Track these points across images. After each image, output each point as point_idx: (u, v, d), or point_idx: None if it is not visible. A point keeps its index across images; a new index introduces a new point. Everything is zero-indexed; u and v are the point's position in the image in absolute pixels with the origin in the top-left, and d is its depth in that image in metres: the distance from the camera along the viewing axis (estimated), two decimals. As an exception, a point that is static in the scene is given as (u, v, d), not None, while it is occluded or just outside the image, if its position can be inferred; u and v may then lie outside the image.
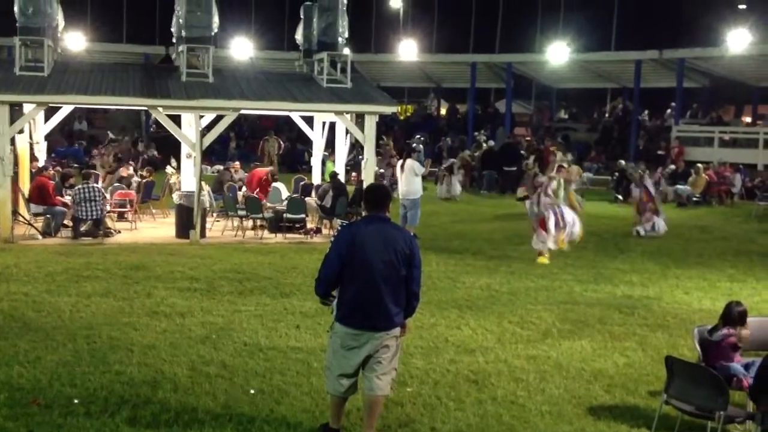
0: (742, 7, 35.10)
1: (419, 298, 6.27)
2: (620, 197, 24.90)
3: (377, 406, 6.26)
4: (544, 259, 14.46)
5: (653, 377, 7.96)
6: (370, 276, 5.99)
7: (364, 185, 16.64)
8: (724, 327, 6.97)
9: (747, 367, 6.82)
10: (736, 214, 23.01)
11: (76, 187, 15.83)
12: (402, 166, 17.31)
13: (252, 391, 7.32)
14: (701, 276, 13.56)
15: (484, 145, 30.57)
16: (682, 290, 12.41)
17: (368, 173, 16.84)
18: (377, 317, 6.04)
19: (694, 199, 25.15)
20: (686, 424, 6.60)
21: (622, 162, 27.29)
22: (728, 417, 6.00)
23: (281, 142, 31.34)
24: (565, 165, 15.95)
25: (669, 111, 36.80)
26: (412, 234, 6.40)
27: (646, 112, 38.50)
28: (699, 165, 26.34)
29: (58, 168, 21.27)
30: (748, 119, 35.83)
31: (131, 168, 21.52)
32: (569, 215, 14.65)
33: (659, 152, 31.88)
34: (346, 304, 6.10)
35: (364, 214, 6.41)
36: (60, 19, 17.65)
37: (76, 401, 6.89)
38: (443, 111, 45.10)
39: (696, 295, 12.11)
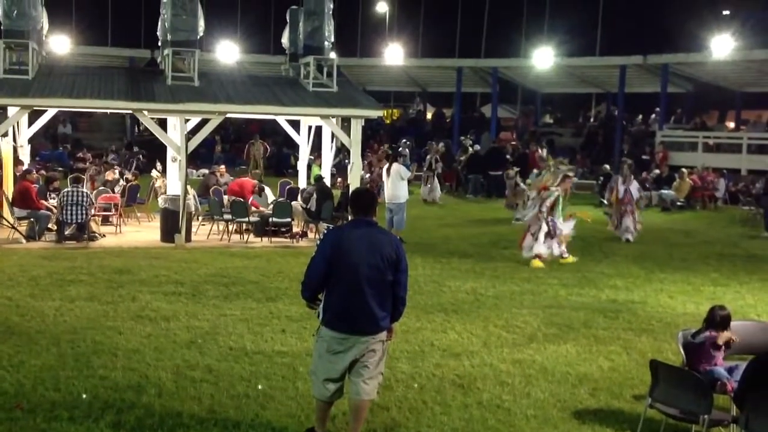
0: (725, 13, 35.39)
1: (405, 303, 6.24)
2: (605, 201, 24.99)
3: (363, 411, 6.25)
4: (538, 263, 14.52)
5: (638, 381, 7.99)
6: (356, 280, 5.94)
7: (351, 189, 16.68)
8: (707, 330, 7.01)
9: (731, 371, 6.85)
10: (720, 219, 23.16)
11: (64, 190, 15.75)
12: (388, 171, 17.37)
13: (260, 387, 7.38)
14: (685, 280, 13.63)
15: (470, 149, 30.62)
16: (666, 294, 12.47)
17: (354, 177, 16.84)
18: (363, 321, 6.01)
19: (678, 203, 25.31)
20: (671, 428, 6.63)
21: (607, 166, 27.41)
22: (712, 421, 6.03)
23: (267, 146, 31.32)
24: (571, 174, 15.97)
25: (653, 116, 36.98)
26: (398, 238, 6.35)
27: (640, 117, 38.65)
28: (683, 170, 26.52)
29: (43, 171, 21.15)
30: (732, 124, 36.05)
31: (117, 171, 21.42)
32: (564, 226, 14.79)
33: (644, 157, 32.02)
34: (332, 308, 6.06)
35: (350, 218, 6.37)
36: (45, 21, 17.59)
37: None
38: (429, 115, 45.16)
39: (680, 299, 12.17)
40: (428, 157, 27.17)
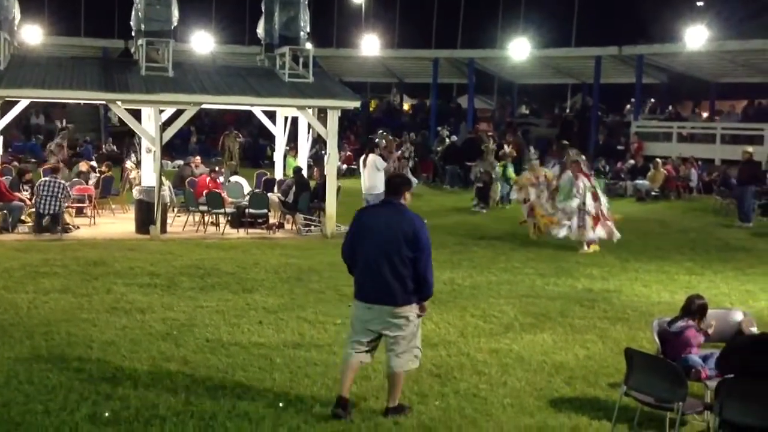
0: (699, 3, 35.63)
1: (429, 281, 6.54)
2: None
3: (396, 380, 6.67)
4: (595, 247, 15.22)
5: (613, 369, 8.04)
6: (373, 254, 6.47)
7: (328, 180, 16.66)
8: (683, 318, 7.07)
9: (705, 358, 6.92)
10: (694, 208, 23.35)
11: (41, 180, 15.59)
12: (364, 161, 17.34)
13: (236, 378, 7.31)
14: (660, 269, 13.73)
15: (447, 140, 30.66)
16: (641, 283, 12.56)
17: (331, 168, 16.80)
18: (379, 292, 6.48)
19: (653, 193, 25.49)
20: (646, 416, 6.68)
21: (583, 157, 27.50)
22: (687, 408, 6.08)
23: (241, 137, 31.18)
24: (582, 159, 16.28)
25: (628, 107, 37.20)
26: (421, 218, 6.71)
27: (628, 106, 38.81)
28: (657, 160, 26.71)
29: (15, 163, 20.93)
30: (706, 114, 36.35)
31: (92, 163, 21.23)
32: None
33: (619, 147, 32.23)
34: (356, 279, 6.68)
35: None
36: (16, 12, 17.38)
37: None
38: (406, 106, 45.16)
39: (655, 288, 12.26)
40: (402, 148, 27.25)
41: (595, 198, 15.55)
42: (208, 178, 17.64)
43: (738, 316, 7.50)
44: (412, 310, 6.57)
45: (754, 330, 7.08)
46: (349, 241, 6.70)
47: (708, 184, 26.43)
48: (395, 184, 6.79)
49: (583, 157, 17.31)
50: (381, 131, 33.39)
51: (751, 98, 35.02)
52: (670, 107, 35.88)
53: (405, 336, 6.56)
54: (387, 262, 6.42)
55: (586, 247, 15.29)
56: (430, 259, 6.54)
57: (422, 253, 6.46)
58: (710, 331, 7.12)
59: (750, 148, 21.88)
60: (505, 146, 25.50)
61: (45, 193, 15.25)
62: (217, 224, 16.93)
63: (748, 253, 15.84)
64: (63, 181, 15.88)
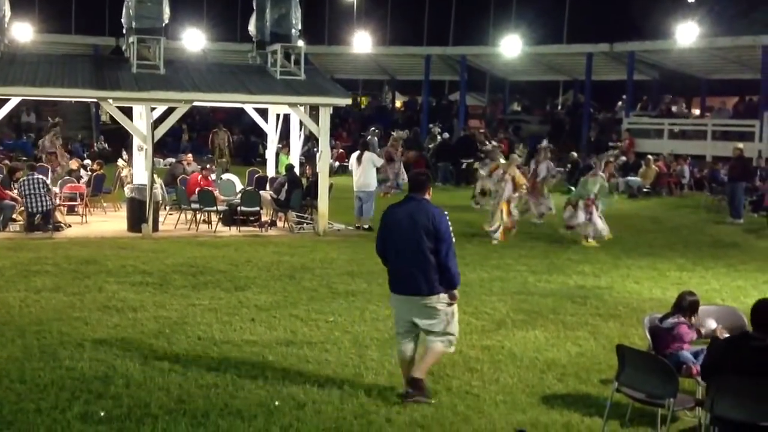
0: (690, 0, 35.67)
1: (452, 270, 6.86)
2: (573, 188, 25.14)
3: (429, 354, 7.04)
4: (592, 243, 15.50)
5: (605, 366, 8.06)
6: (399, 248, 6.92)
7: (320, 178, 16.65)
8: (675, 315, 7.08)
9: (696, 355, 6.93)
10: (686, 205, 23.42)
11: (21, 179, 15.54)
12: (359, 159, 17.30)
13: (229, 376, 7.35)
14: (651, 266, 13.77)
15: (439, 137, 30.65)
16: (632, 280, 12.60)
17: (323, 165, 16.79)
18: (409, 283, 6.88)
19: (645, 190, 25.55)
20: (637, 412, 6.71)
21: (574, 154, 27.59)
22: (678, 404, 6.10)
23: (230, 135, 31.11)
24: (612, 160, 16.64)
25: (620, 103, 37.26)
26: (443, 211, 7.03)
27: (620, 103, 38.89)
28: (649, 156, 26.77)
29: (6, 161, 20.85)
30: (697, 111, 36.43)
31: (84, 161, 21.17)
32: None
33: (610, 144, 32.27)
34: (388, 273, 7.14)
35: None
36: (6, 9, 17.31)
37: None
38: (398, 103, 45.12)
39: (646, 284, 12.30)
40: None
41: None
42: (199, 176, 17.61)
43: (740, 314, 7.53)
44: (440, 300, 6.90)
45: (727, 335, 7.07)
46: (380, 237, 7.14)
47: (699, 181, 26.51)
48: (420, 180, 7.16)
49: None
50: (373, 128, 33.39)
51: (741, 95, 35.10)
52: (662, 104, 35.88)
53: (436, 324, 6.94)
54: (412, 255, 6.81)
55: (585, 240, 15.61)
56: (452, 250, 6.88)
57: (444, 244, 6.81)
58: (703, 330, 7.15)
59: (741, 145, 21.95)
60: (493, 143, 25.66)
61: (27, 191, 15.18)
62: (209, 222, 16.91)
63: (740, 250, 15.90)
64: (43, 177, 15.77)
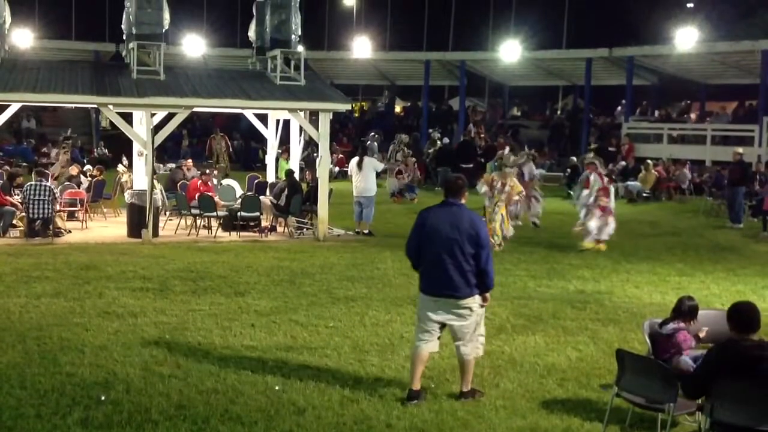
0: (689, 5, 35.75)
1: (489, 274, 7.08)
2: (572, 193, 25.16)
3: (468, 367, 7.27)
4: (592, 245, 15.55)
5: (605, 370, 8.07)
6: (438, 251, 7.02)
7: (320, 183, 16.66)
8: (674, 320, 7.09)
9: (696, 360, 6.93)
10: (685, 210, 23.43)
11: (27, 184, 15.54)
12: (359, 164, 17.29)
13: (229, 381, 7.34)
14: (651, 270, 13.78)
15: (438, 142, 30.67)
16: (632, 285, 12.61)
17: (323, 170, 16.81)
18: (445, 286, 7.03)
19: (644, 194, 25.57)
20: (637, 416, 6.71)
21: (574, 159, 27.61)
22: (678, 409, 6.10)
23: (228, 140, 31.13)
24: (593, 161, 16.77)
25: (619, 108, 37.29)
26: (480, 217, 7.35)
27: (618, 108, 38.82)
28: (648, 161, 26.79)
29: (6, 167, 20.86)
30: (696, 116, 36.45)
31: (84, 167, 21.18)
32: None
33: (610, 149, 32.30)
34: (421, 275, 7.26)
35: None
36: (7, 15, 17.33)
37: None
38: (398, 108, 45.16)
39: (646, 289, 12.31)
40: (391, 148, 27.27)
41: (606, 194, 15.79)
42: (199, 182, 17.63)
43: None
44: (474, 302, 7.13)
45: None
46: (414, 241, 7.24)
47: (699, 185, 26.52)
48: (457, 186, 7.29)
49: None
50: (373, 133, 33.44)
51: (741, 99, 35.15)
52: (661, 109, 35.91)
53: (469, 325, 7.15)
54: (451, 259, 6.97)
55: (585, 242, 15.64)
56: (490, 253, 7.13)
57: (483, 249, 7.02)
58: (702, 335, 7.14)
59: (740, 149, 21.98)
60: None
61: (32, 197, 15.20)
62: (209, 227, 16.92)
63: (739, 254, 15.91)
64: (49, 184, 15.81)
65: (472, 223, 7.05)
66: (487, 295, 7.26)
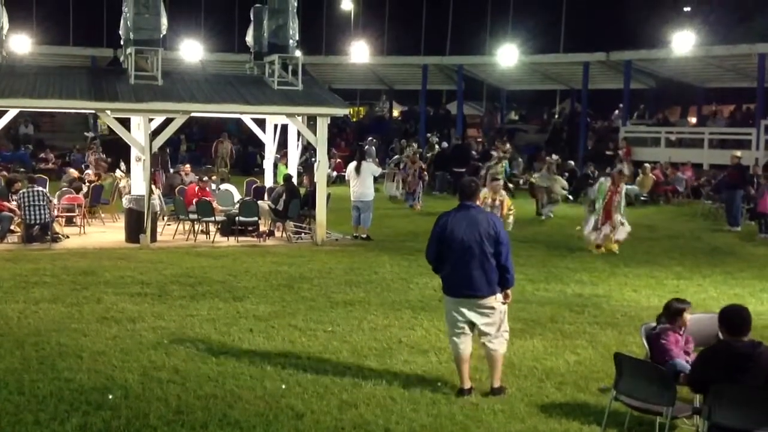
0: (686, 9, 35.82)
1: (510, 271, 7.33)
2: (570, 197, 25.19)
3: (495, 362, 7.50)
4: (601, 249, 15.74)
5: (603, 374, 8.07)
6: (460, 253, 7.24)
7: (318, 187, 16.67)
8: (663, 322, 7.05)
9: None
10: (683, 213, 23.45)
11: (21, 191, 15.55)
12: (357, 169, 17.26)
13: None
14: (649, 274, 13.78)
15: (437, 146, 30.70)
16: (630, 288, 12.61)
17: (321, 175, 16.81)
18: (468, 287, 7.27)
19: (642, 198, 25.57)
20: (636, 420, 6.71)
21: (572, 162, 27.65)
22: (676, 412, 6.11)
23: (232, 145, 31.17)
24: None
25: (617, 112, 37.35)
26: (498, 217, 7.76)
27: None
28: (646, 165, 26.81)
29: (4, 173, 20.85)
30: (694, 119, 36.53)
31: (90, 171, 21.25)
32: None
33: (608, 153, 32.34)
34: (445, 278, 7.46)
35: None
36: (5, 21, 17.36)
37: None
38: (395, 113, 45.20)
39: (644, 292, 12.31)
40: (396, 156, 27.36)
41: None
42: (197, 187, 17.63)
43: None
44: (497, 300, 7.36)
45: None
46: (434, 246, 7.44)
47: (696, 189, 26.55)
48: (472, 188, 7.55)
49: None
50: (371, 138, 33.46)
51: (738, 103, 35.21)
52: (659, 112, 35.95)
53: (493, 323, 7.38)
54: (473, 260, 7.21)
55: (594, 249, 15.79)
56: (510, 252, 7.35)
57: (504, 247, 7.26)
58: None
59: (738, 153, 22.01)
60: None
61: (27, 203, 15.19)
62: (207, 232, 16.91)
63: (737, 257, 15.93)
64: (43, 189, 15.82)
65: (490, 223, 7.30)
66: (509, 291, 7.47)
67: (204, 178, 18.49)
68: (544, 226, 18.64)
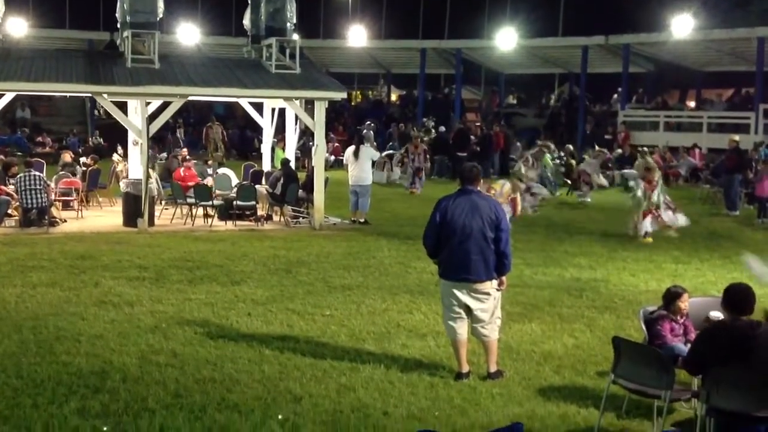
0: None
1: (508, 256, 7.41)
2: (569, 181, 25.13)
3: (491, 347, 7.55)
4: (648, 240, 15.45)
5: (601, 358, 8.08)
6: (460, 237, 7.25)
7: (315, 172, 16.63)
8: (660, 308, 7.06)
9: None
10: (681, 197, 23.38)
11: (18, 176, 15.51)
12: (356, 153, 17.20)
13: (226, 370, 7.41)
14: (647, 258, 13.79)
15: (433, 131, 30.60)
16: (628, 272, 12.62)
17: (319, 159, 16.77)
18: (465, 271, 7.28)
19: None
20: (633, 403, 6.73)
21: (570, 147, 27.57)
22: (674, 395, 6.12)
23: (223, 129, 31.05)
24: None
25: (615, 96, 37.26)
26: (499, 203, 7.65)
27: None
28: (644, 149, 26.74)
29: (1, 157, 20.80)
30: (692, 103, 36.46)
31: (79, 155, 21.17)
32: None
33: (606, 137, 32.29)
34: (443, 261, 7.46)
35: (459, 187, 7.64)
36: (0, 4, 17.23)
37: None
38: (393, 97, 45.08)
39: (642, 276, 12.32)
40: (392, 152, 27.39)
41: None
42: (182, 169, 17.60)
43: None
44: (492, 285, 7.40)
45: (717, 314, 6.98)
46: (433, 229, 7.42)
47: (695, 172, 26.51)
48: (474, 173, 7.55)
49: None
50: (369, 122, 33.37)
51: (737, 87, 35.13)
52: (657, 96, 35.87)
53: (487, 308, 7.41)
54: (473, 244, 7.23)
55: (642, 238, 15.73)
56: (509, 238, 7.42)
57: (503, 232, 7.31)
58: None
59: (736, 137, 21.97)
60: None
61: (24, 187, 15.15)
62: (205, 217, 16.88)
63: (735, 242, 15.92)
64: (40, 174, 15.78)
65: (491, 208, 7.33)
66: (504, 278, 7.52)
67: (187, 158, 18.36)
68: (541, 209, 18.58)
